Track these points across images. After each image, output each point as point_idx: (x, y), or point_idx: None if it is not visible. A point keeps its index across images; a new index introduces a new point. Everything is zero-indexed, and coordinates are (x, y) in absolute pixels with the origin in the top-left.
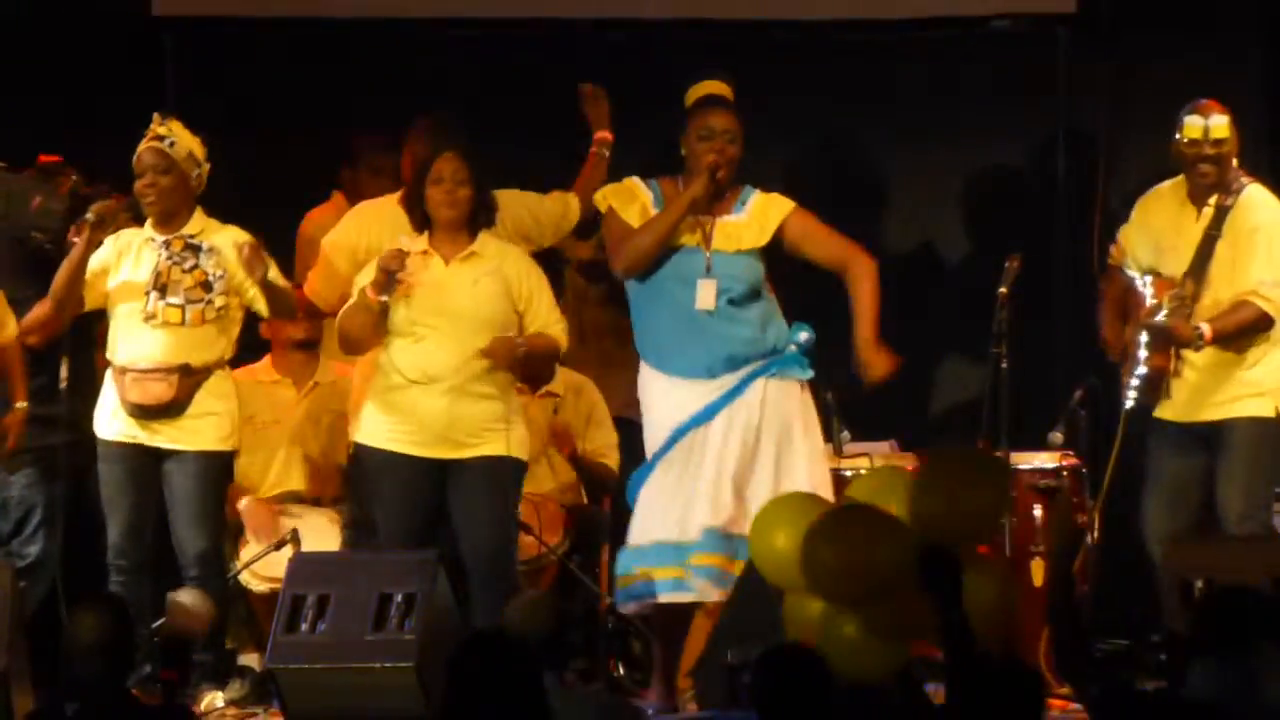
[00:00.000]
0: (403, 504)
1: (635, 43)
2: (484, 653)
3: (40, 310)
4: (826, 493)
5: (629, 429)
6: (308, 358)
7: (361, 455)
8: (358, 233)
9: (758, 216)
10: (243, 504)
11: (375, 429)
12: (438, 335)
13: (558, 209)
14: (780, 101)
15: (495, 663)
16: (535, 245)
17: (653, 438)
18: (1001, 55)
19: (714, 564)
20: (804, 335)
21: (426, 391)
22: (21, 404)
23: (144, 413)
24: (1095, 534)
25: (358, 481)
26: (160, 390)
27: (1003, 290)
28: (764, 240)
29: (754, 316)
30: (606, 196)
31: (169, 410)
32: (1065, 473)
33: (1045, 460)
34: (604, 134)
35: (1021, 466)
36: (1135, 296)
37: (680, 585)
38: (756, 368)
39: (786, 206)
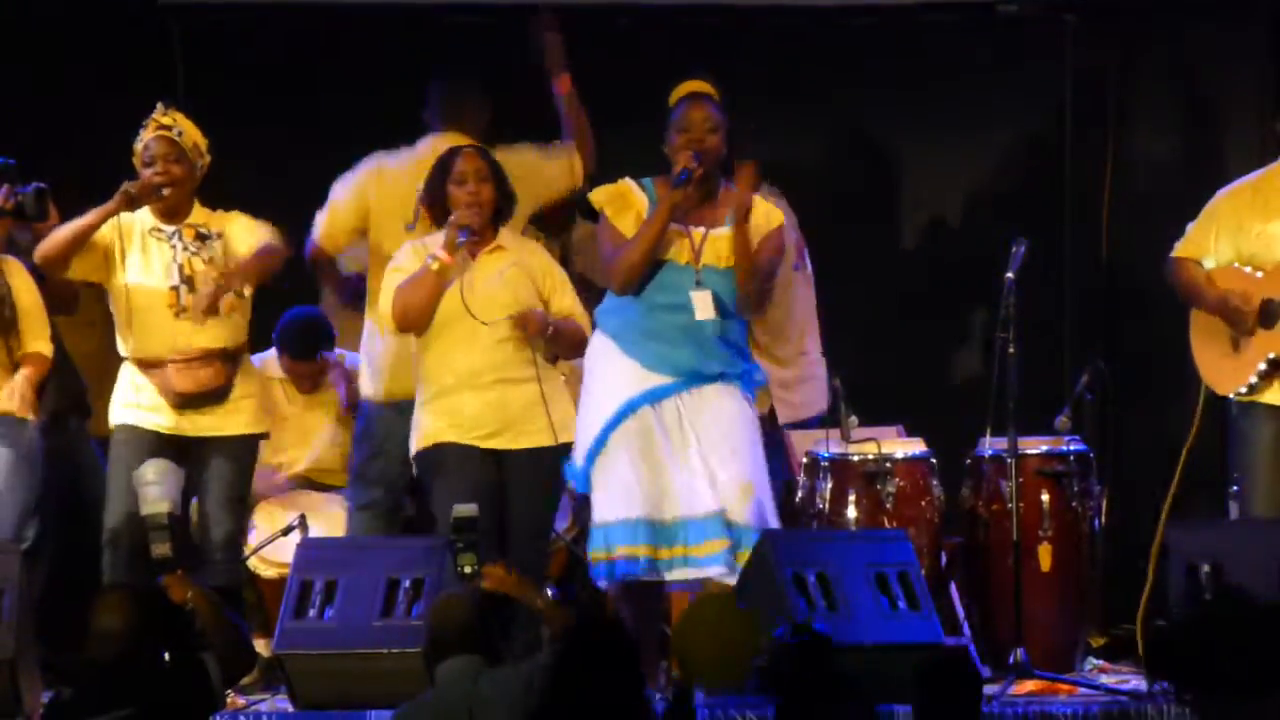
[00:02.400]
0: (470, 493)
1: (637, 28)
2: (594, 642)
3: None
4: (752, 489)
5: None
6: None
7: (423, 460)
8: (374, 190)
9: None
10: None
11: (433, 430)
12: (474, 329)
13: (563, 166)
14: (783, 87)
15: (602, 652)
16: (547, 202)
17: (599, 407)
18: (1008, 39)
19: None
20: (759, 376)
21: (475, 387)
22: (26, 371)
23: (191, 402)
24: (1103, 518)
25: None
26: (209, 376)
27: (1009, 275)
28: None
29: (729, 337)
30: (601, 200)
31: (216, 395)
32: (1072, 458)
33: (1052, 445)
34: (564, 81)
35: (1028, 451)
36: (1241, 283)
37: (669, 563)
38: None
39: (775, 220)
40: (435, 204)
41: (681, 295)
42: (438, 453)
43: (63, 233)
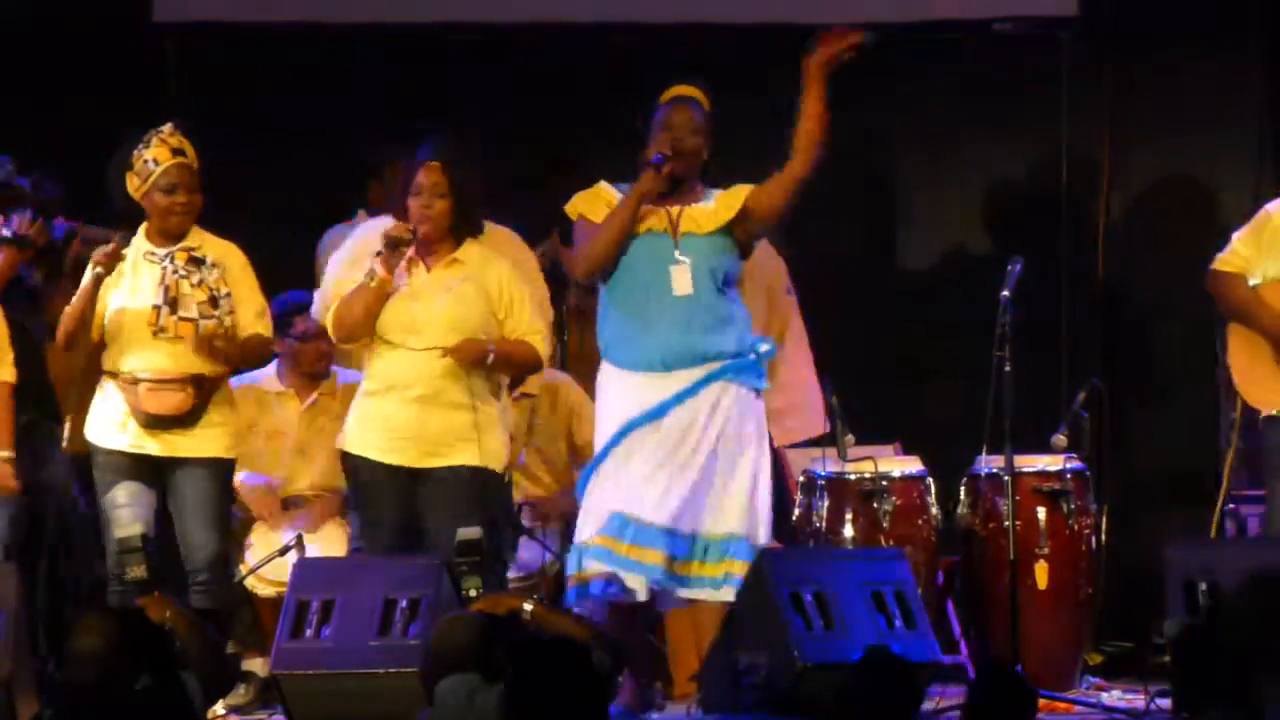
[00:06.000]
0: (375, 509)
1: (637, 47)
2: (550, 661)
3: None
4: (764, 507)
5: None
6: (316, 373)
7: (344, 460)
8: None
9: (722, 201)
10: (240, 481)
11: (354, 435)
12: (409, 341)
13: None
14: (778, 107)
15: (560, 671)
16: None
17: (602, 430)
18: (1004, 58)
19: (605, 545)
20: (765, 347)
21: (397, 399)
22: (7, 453)
23: (159, 423)
24: (1103, 536)
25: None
26: (178, 400)
27: (1005, 294)
28: (731, 214)
29: (718, 311)
30: (576, 205)
31: (184, 420)
32: (1069, 475)
33: (1049, 463)
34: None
35: (1025, 470)
36: None
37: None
38: (713, 369)
39: (747, 187)
40: (400, 219)
41: (661, 265)
42: (358, 464)
43: (70, 319)
